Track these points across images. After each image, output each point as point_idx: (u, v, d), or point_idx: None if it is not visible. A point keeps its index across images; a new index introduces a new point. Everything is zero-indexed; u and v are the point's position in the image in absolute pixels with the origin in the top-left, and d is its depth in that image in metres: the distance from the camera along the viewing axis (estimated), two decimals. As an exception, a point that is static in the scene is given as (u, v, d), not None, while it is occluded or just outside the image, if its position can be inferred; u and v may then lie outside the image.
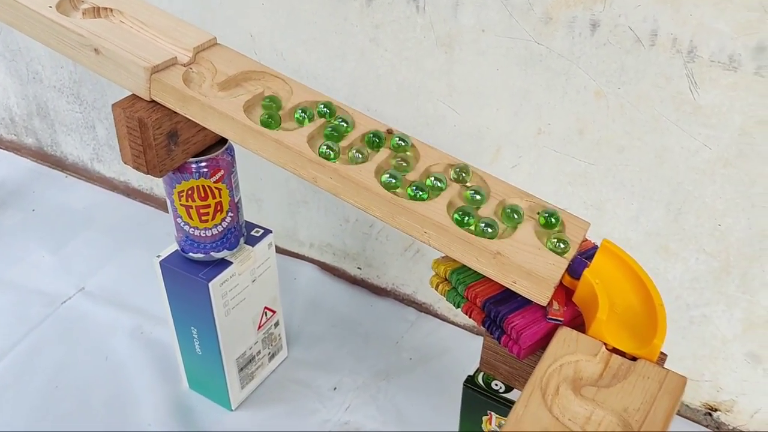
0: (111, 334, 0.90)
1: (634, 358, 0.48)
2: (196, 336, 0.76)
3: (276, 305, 0.81)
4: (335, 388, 0.83)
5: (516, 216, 0.53)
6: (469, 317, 0.53)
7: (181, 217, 0.68)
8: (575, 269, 0.51)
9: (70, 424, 0.79)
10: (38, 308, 0.94)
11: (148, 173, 0.62)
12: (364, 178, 0.54)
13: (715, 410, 0.77)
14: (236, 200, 0.70)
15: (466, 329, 0.91)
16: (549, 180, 0.73)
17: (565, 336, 0.49)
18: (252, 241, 0.75)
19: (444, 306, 0.91)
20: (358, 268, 0.96)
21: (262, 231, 0.76)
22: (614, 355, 0.48)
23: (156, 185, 1.11)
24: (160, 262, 0.72)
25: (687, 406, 0.78)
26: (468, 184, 0.56)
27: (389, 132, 0.58)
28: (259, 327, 0.79)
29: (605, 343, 0.49)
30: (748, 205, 0.64)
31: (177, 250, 0.73)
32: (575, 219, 0.55)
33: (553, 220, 0.53)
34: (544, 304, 0.51)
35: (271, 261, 0.77)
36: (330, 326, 0.92)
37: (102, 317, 0.92)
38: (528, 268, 0.50)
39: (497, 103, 0.72)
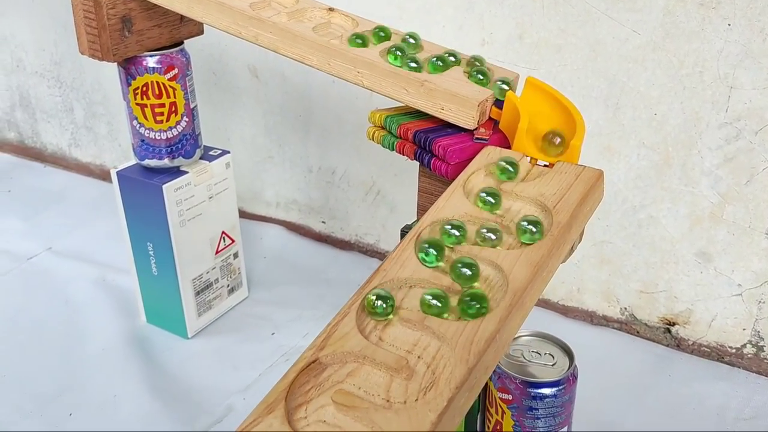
0: (73, 283, 0.90)
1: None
2: (152, 253, 0.76)
3: (235, 234, 0.82)
4: (295, 320, 0.82)
5: (441, 63, 0.56)
6: (402, 154, 0.55)
7: (136, 119, 0.71)
8: (499, 101, 0.54)
9: (25, 353, 0.78)
10: (3, 263, 0.94)
11: (102, 59, 0.65)
12: (301, 29, 0.57)
13: (673, 324, 0.76)
14: (192, 106, 0.73)
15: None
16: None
17: (489, 151, 0.51)
18: (209, 159, 0.77)
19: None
20: (323, 221, 0.97)
21: (220, 151, 0.78)
22: (536, 165, 0.50)
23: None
24: (117, 172, 0.74)
25: (645, 324, 0.78)
26: (409, 39, 0.58)
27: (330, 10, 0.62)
28: (217, 252, 0.80)
29: (528, 157, 0.50)
30: (679, 88, 0.67)
31: (134, 164, 0.75)
32: (504, 69, 0.58)
33: (477, 63, 0.56)
34: (471, 128, 0.53)
35: (229, 183, 0.79)
36: (293, 275, 0.92)
37: (66, 270, 0.92)
38: (454, 91, 0.52)
39: (443, 19, 0.76)
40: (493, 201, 0.46)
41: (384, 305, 0.39)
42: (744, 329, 0.72)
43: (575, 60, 0.70)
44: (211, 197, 0.77)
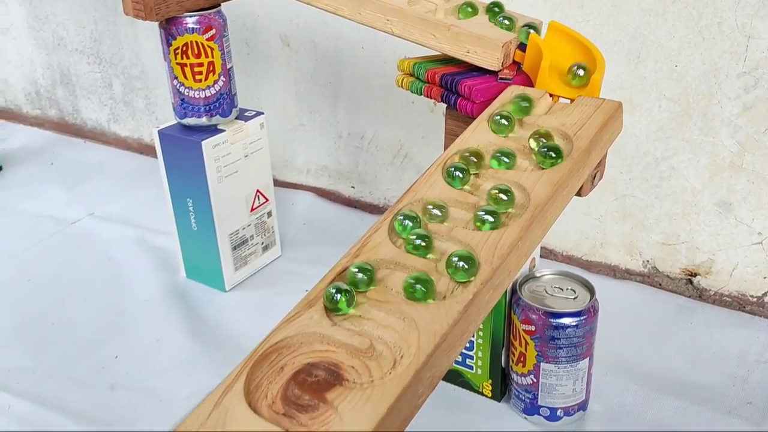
0: (115, 243, 0.94)
1: (576, 101, 0.52)
2: (191, 209, 0.80)
3: (269, 194, 0.86)
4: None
5: (471, 9, 0.58)
6: (429, 97, 0.58)
7: (177, 78, 0.74)
8: (523, 45, 0.56)
9: (73, 304, 0.82)
10: (48, 227, 0.99)
11: (145, 18, 0.68)
12: (332, -19, 0.60)
13: (695, 275, 0.78)
14: (228, 67, 0.76)
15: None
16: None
17: (512, 89, 0.53)
18: (244, 119, 0.80)
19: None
20: (352, 186, 1.00)
21: (254, 112, 0.82)
22: (559, 101, 0.52)
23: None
24: (159, 131, 0.78)
25: (668, 276, 0.80)
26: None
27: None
28: (252, 209, 0.83)
29: (550, 94, 0.53)
30: (699, 39, 0.69)
31: (175, 123, 0.79)
32: (529, 17, 0.60)
33: (496, 8, 0.59)
34: (496, 69, 0.55)
35: (263, 143, 0.82)
36: (324, 237, 0.95)
37: (108, 232, 0.97)
38: (479, 34, 0.55)
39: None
40: (506, 123, 0.49)
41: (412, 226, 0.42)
42: (765, 278, 0.74)
43: (597, 15, 0.72)
44: (246, 156, 0.81)
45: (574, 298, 0.59)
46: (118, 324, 0.78)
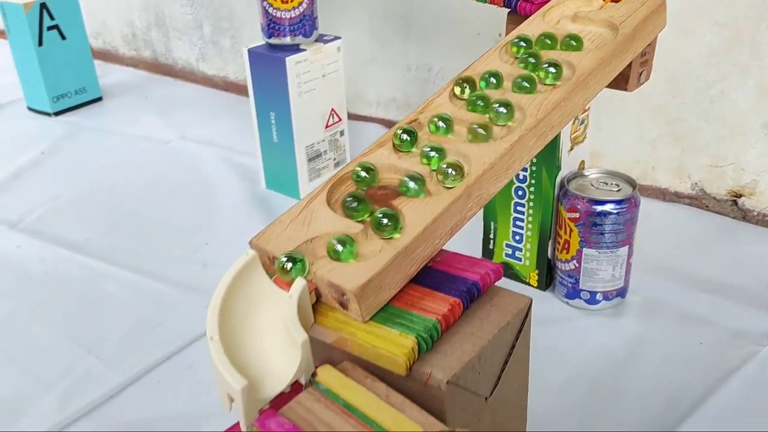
0: (203, 159, 1.05)
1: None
2: (273, 121, 0.89)
3: (342, 113, 0.94)
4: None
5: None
6: (492, 3, 0.64)
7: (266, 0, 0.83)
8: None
9: (169, 203, 0.93)
10: (145, 145, 1.10)
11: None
12: None
13: (740, 196, 0.82)
14: (312, -9, 0.85)
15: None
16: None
17: (567, -8, 0.60)
18: (323, 41, 0.89)
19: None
20: (419, 117, 1.08)
21: (332, 36, 0.90)
22: (609, 3, 0.58)
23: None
24: (248, 50, 0.87)
25: (714, 198, 0.84)
26: None
27: None
28: (327, 126, 0.92)
29: (601, -3, 0.59)
30: (751, -36, 0.73)
31: (262, 43, 0.88)
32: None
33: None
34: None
35: (339, 65, 0.91)
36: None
37: (197, 151, 1.08)
38: (537, -56, 0.61)
39: None
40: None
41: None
42: (807, 197, 0.78)
43: (655, -55, 0.77)
44: (323, 75, 0.89)
45: (618, 191, 0.65)
46: (207, 221, 0.89)
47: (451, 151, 0.45)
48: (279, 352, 0.36)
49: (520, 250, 0.72)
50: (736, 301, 0.69)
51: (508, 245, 0.73)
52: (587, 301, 0.68)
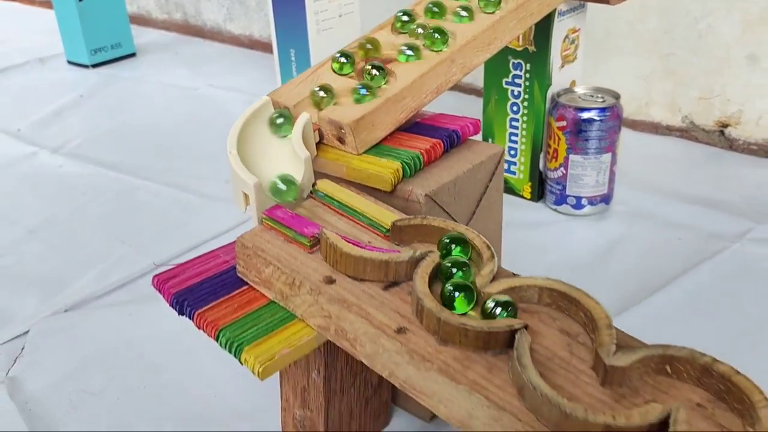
0: (230, 102, 1.12)
1: None
2: (293, 58, 0.97)
3: (358, 55, 1.01)
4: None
5: None
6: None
7: (288, -58, 0.91)
8: None
9: (187, 142, 1.01)
10: (175, 92, 1.19)
11: None
12: None
13: (726, 126, 0.88)
14: (330, -65, 0.92)
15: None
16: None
17: None
18: (341, -16, 0.96)
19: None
20: (430, 66, 1.14)
21: (349, -20, 0.97)
22: None
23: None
24: (271, -10, 0.95)
25: (703, 129, 0.90)
26: None
27: None
28: (343, 64, 0.99)
29: None
30: None
31: (284, -15, 0.95)
32: None
33: None
34: None
35: (355, 7, 0.98)
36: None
37: (223, 95, 1.15)
38: None
39: None
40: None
41: None
42: (788, 124, 0.83)
43: None
44: (340, 15, 0.96)
45: (602, 101, 0.71)
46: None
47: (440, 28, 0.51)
48: (286, 167, 0.43)
49: (515, 164, 0.78)
50: (714, 210, 0.75)
51: (505, 160, 0.79)
52: (573, 206, 0.74)
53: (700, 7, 0.84)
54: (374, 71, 0.46)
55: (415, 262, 0.35)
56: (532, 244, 0.71)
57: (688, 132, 0.91)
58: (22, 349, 0.60)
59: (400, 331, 0.33)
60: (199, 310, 0.38)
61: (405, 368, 0.33)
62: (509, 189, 0.80)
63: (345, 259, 0.36)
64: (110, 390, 0.55)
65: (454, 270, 0.34)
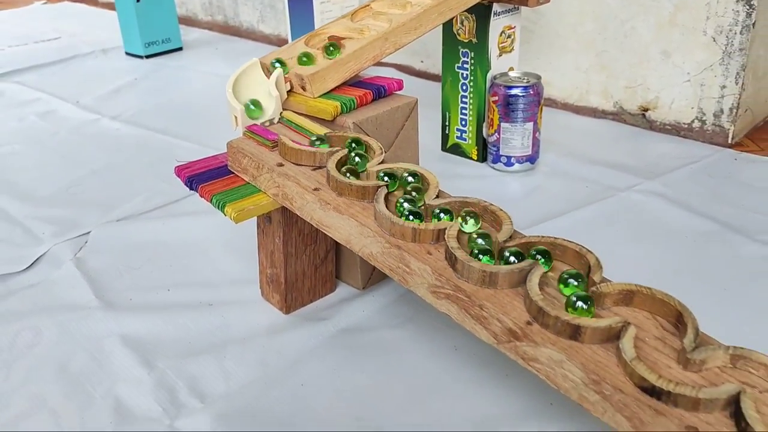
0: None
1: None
2: (303, 49, 1.20)
3: (357, 48, 1.24)
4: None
5: None
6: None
7: (301, -44, 1.14)
8: None
9: (222, 113, 1.25)
10: (214, 79, 1.43)
11: None
12: None
13: (647, 110, 1.08)
14: (335, -49, 1.15)
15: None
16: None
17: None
18: (344, -9, 1.19)
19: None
20: (421, 61, 1.37)
21: (351, -12, 1.21)
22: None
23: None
24: (287, -6, 1.18)
25: (629, 113, 1.10)
26: None
27: None
28: (344, 56, 1.22)
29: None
30: (647, -70, 0.99)
31: (298, -9, 1.19)
32: None
33: None
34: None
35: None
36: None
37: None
38: None
39: None
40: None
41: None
42: (692, 108, 1.03)
43: None
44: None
45: (526, 82, 0.93)
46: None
47: (380, 15, 0.74)
48: (264, 103, 0.66)
49: (466, 131, 1.00)
50: (619, 171, 0.95)
51: (458, 129, 1.01)
52: (505, 164, 0.95)
53: (625, 11, 1.05)
54: (331, 48, 0.69)
55: (330, 153, 0.58)
56: (476, 192, 0.92)
57: (618, 115, 1.11)
58: (86, 242, 0.84)
59: (316, 189, 0.55)
60: (202, 185, 0.61)
61: (318, 212, 0.55)
62: (461, 152, 1.01)
63: (290, 152, 0.59)
64: (146, 266, 0.78)
65: (357, 159, 0.56)
